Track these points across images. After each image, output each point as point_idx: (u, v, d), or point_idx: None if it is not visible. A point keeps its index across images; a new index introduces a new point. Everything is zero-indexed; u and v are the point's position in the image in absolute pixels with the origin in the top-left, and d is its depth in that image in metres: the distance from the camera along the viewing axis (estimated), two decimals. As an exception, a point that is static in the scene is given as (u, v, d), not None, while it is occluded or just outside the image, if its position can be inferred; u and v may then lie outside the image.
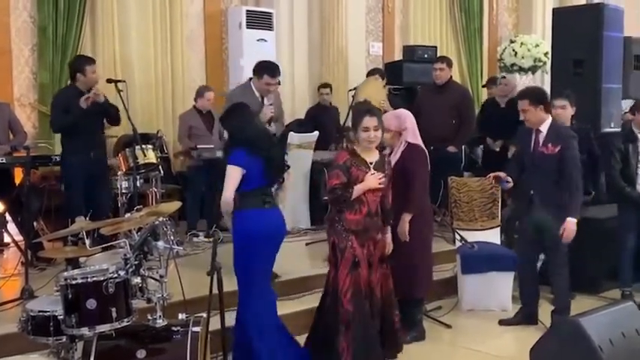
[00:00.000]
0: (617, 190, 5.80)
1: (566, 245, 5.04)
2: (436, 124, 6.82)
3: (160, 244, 3.61)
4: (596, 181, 5.99)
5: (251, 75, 5.78)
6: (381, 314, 4.26)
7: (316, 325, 4.35)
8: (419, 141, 4.76)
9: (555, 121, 5.10)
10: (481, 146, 8.17)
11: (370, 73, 7.75)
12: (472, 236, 5.89)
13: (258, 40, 8.53)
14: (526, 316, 5.30)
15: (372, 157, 4.22)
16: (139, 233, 3.71)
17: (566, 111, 5.67)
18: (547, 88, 10.65)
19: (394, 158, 4.65)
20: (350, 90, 7.47)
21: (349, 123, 4.59)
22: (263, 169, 4.15)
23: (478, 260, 5.61)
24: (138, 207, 4.00)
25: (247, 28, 8.47)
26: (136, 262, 3.47)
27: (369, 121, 4.12)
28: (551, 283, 5.33)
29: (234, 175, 4.10)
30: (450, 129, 7.05)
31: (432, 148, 6.24)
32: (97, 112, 5.92)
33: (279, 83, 7.62)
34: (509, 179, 5.11)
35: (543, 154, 4.95)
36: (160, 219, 3.76)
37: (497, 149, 7.53)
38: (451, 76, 7.33)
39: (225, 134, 4.53)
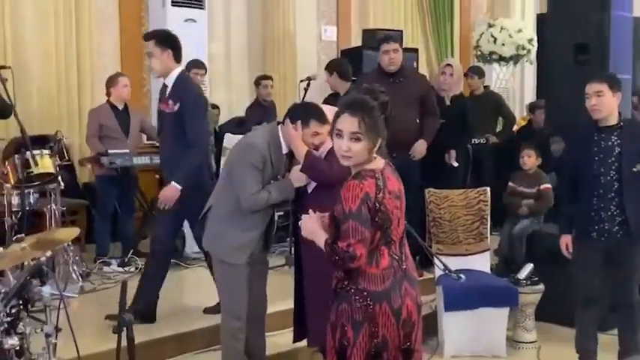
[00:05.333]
0: None
1: None
2: (400, 123, 5.86)
3: (46, 289, 2.96)
4: None
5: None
6: None
7: None
8: None
9: None
10: None
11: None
12: (456, 263, 5.43)
13: (185, 21, 8.22)
14: None
15: None
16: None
17: (605, 97, 4.57)
18: (531, 81, 10.65)
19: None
20: (302, 81, 6.94)
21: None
22: None
23: (466, 294, 5.22)
24: (19, 236, 3.32)
25: (172, 5, 8.20)
26: (10, 319, 2.83)
27: None
28: None
29: None
30: (417, 128, 6.41)
31: (394, 155, 5.63)
32: None
33: (205, 73, 7.27)
34: None
35: None
36: (49, 253, 3.12)
37: (455, 164, 6.76)
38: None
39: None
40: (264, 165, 4.08)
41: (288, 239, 6.52)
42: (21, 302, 2.98)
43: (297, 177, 4.15)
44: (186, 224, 5.34)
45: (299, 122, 4.08)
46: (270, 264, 4.70)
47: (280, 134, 4.17)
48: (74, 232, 3.58)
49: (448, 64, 6.83)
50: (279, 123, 4.24)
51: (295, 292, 4.38)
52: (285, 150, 4.18)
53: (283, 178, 4.22)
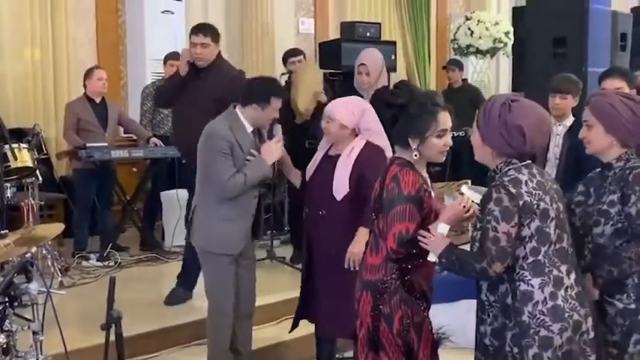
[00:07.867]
0: None
1: None
2: (192, 126, 4.61)
3: (33, 286, 2.91)
4: None
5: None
6: None
7: None
8: (384, 142, 4.04)
9: None
10: None
11: (291, 54, 6.94)
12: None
13: (162, 13, 8.17)
14: None
15: (424, 173, 3.24)
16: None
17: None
18: (506, 74, 10.67)
19: (348, 161, 4.00)
20: (282, 74, 6.87)
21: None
22: None
23: (448, 286, 5.09)
24: (3, 232, 3.27)
25: (149, -3, 8.11)
26: (-3, 316, 2.78)
27: (447, 120, 3.09)
28: None
29: None
30: None
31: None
32: None
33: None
34: None
35: None
36: (34, 249, 3.07)
37: None
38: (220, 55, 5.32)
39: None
40: (232, 149, 4.04)
41: (268, 232, 6.47)
42: (7, 300, 2.93)
43: (269, 152, 4.10)
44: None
45: (260, 102, 4.05)
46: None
47: (240, 116, 4.11)
48: (59, 227, 3.51)
49: (362, 64, 5.46)
50: (235, 106, 4.17)
51: (303, 284, 4.25)
52: (249, 129, 4.13)
53: None
